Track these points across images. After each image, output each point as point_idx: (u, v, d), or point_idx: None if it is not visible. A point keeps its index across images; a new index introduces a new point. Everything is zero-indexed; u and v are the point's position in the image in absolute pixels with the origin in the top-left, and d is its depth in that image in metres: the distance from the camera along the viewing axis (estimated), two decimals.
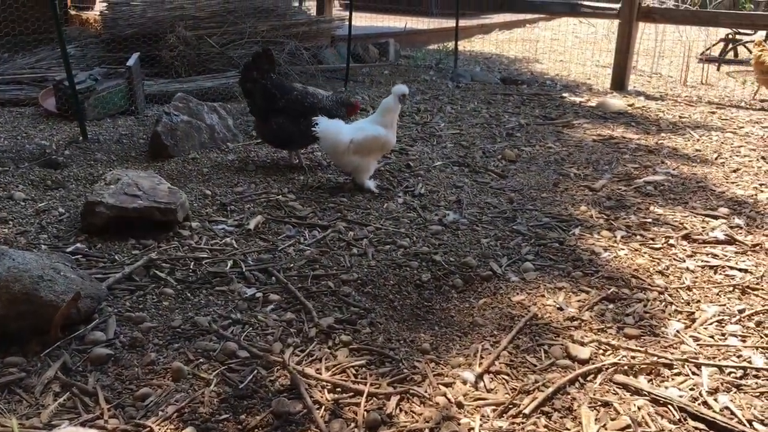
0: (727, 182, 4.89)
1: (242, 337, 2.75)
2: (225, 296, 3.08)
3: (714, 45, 10.95)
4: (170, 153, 4.94)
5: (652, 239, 3.84)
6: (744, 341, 2.84)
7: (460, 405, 2.38)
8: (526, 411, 2.34)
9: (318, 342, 2.75)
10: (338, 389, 2.45)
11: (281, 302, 3.05)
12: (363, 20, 11.07)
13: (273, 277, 3.26)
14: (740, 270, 3.49)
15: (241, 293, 3.10)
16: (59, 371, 2.49)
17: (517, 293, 3.20)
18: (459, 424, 2.28)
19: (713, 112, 7.21)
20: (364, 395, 2.40)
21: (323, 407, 2.34)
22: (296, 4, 8.99)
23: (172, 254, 3.44)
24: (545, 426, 2.29)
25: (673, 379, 2.57)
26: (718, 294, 3.24)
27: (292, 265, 3.40)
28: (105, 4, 7.80)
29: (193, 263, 3.36)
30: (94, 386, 2.41)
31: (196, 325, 2.81)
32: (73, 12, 9.71)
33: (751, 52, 10.78)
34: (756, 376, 2.59)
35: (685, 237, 3.87)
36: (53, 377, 2.45)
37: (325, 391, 2.44)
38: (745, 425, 2.30)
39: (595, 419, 2.32)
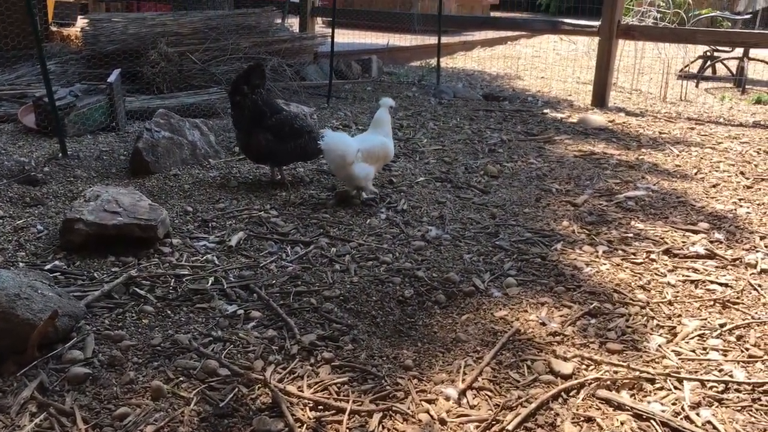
0: (706, 197, 4.94)
1: (223, 354, 2.72)
2: (206, 313, 3.05)
3: (693, 62, 11.12)
4: (151, 169, 4.90)
5: (634, 254, 3.86)
6: (725, 355, 2.85)
7: (443, 422, 2.37)
8: (510, 427, 2.33)
9: (300, 359, 2.73)
10: (320, 407, 2.43)
11: (263, 319, 3.03)
12: (346, 37, 11.12)
13: (254, 294, 3.24)
14: (721, 284, 3.51)
15: (222, 310, 3.07)
16: (36, 391, 2.44)
17: (500, 308, 3.20)
18: None
19: (692, 128, 7.30)
20: (347, 413, 2.38)
21: (305, 425, 2.31)
22: (279, 20, 9.01)
23: (153, 271, 3.40)
24: None
25: (655, 393, 2.57)
26: (699, 308, 3.26)
27: (273, 281, 3.37)
28: (86, 20, 7.78)
29: (173, 280, 3.33)
30: (71, 406, 2.37)
31: (176, 343, 2.77)
32: (54, 28, 9.68)
33: (728, 69, 11.01)
34: (738, 390, 2.60)
35: (666, 252, 3.90)
36: (30, 397, 2.40)
37: (307, 408, 2.41)
38: None
39: None
